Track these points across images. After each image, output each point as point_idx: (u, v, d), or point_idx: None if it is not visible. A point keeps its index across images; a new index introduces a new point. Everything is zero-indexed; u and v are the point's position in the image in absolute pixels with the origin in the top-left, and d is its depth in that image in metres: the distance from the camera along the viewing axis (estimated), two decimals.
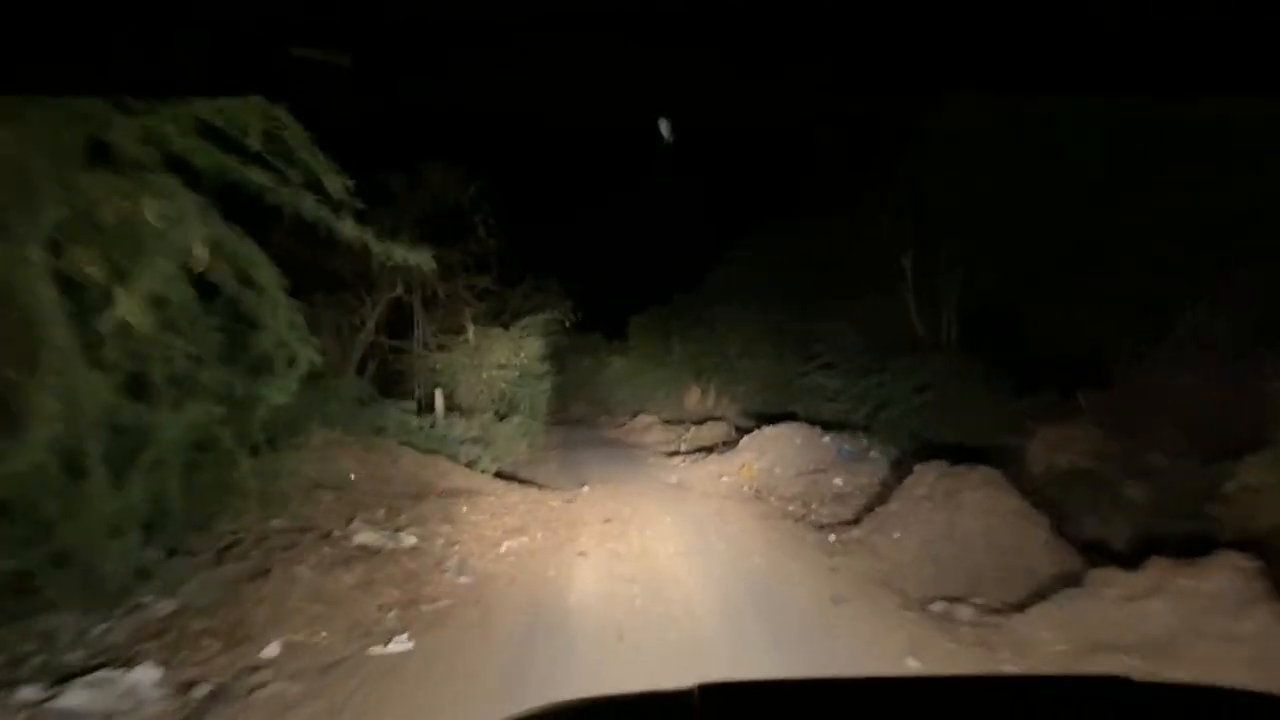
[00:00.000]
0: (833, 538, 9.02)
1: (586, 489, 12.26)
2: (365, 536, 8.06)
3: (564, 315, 20.25)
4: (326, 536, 7.89)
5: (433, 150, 15.61)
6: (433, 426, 13.31)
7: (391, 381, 18.16)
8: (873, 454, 13.28)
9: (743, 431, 17.40)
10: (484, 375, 17.70)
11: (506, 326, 18.23)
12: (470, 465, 13.02)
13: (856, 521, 9.66)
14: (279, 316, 5.77)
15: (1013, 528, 7.97)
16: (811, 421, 15.63)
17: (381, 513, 8.96)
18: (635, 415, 24.91)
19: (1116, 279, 12.12)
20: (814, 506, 10.91)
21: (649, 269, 29.70)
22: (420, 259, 7.02)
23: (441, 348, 17.21)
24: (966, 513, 8.14)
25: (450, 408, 16.12)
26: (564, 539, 8.96)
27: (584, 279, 22.21)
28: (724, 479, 12.89)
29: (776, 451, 13.42)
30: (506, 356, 17.96)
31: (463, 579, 7.45)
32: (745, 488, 12.27)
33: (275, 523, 8.07)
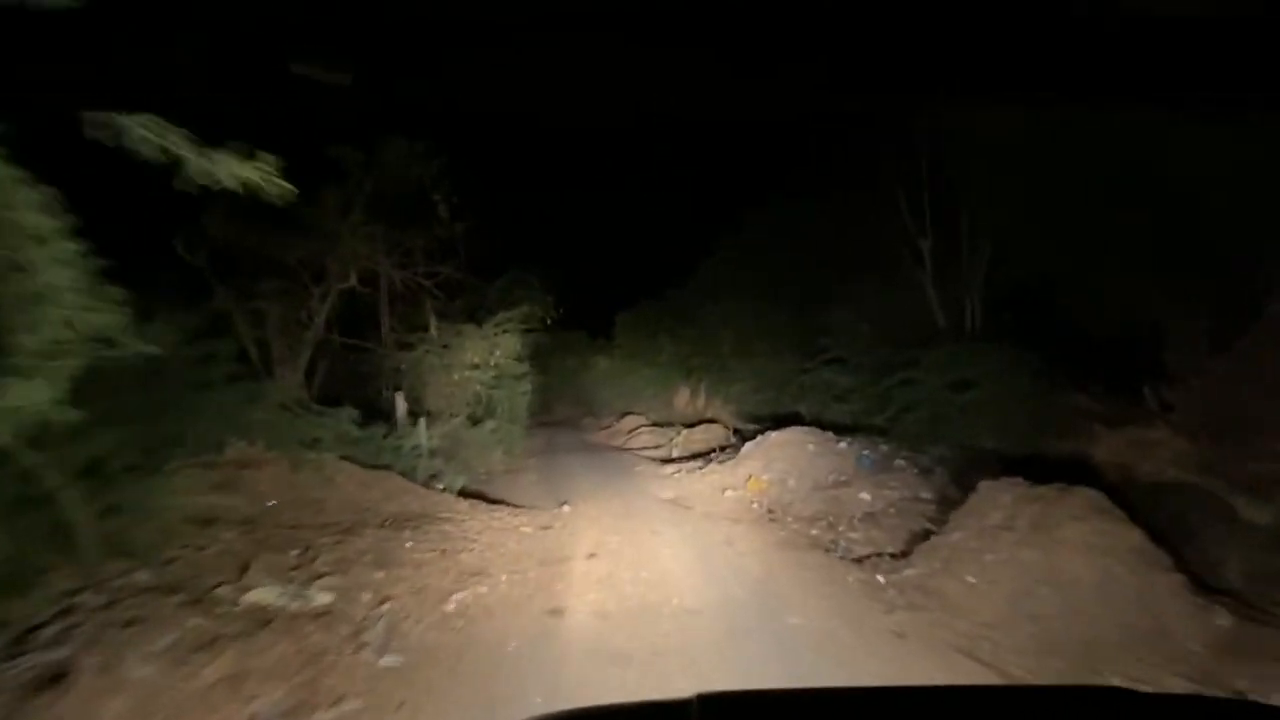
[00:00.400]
0: (881, 578, 6.71)
1: (567, 508, 9.90)
2: (260, 594, 5.68)
3: (545, 311, 18.00)
4: (203, 598, 5.49)
5: (397, 126, 13.14)
6: (386, 436, 10.88)
7: (354, 384, 15.85)
8: (898, 462, 10.99)
9: (741, 435, 15.11)
10: (455, 376, 15.35)
11: (480, 323, 15.87)
12: (430, 482, 10.64)
13: (905, 554, 7.36)
14: (43, 275, 3.35)
15: (1134, 573, 5.69)
16: (818, 424, 13.37)
17: (294, 555, 6.56)
18: (622, 417, 22.59)
19: (1179, 251, 9.95)
20: (842, 530, 8.59)
21: (636, 263, 27.29)
22: (258, 174, 4.55)
23: (406, 346, 14.81)
24: (1070, 551, 5.84)
25: (417, 413, 13.77)
26: (535, 586, 6.60)
27: (567, 274, 20.06)
28: (728, 493, 10.55)
29: (787, 460, 11.09)
30: (481, 355, 15.63)
31: (387, 659, 5.07)
32: (754, 504, 9.94)
33: (140, 577, 5.66)
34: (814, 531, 8.64)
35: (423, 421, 13.08)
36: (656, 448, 17.22)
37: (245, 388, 9.09)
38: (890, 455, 11.43)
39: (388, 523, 8.03)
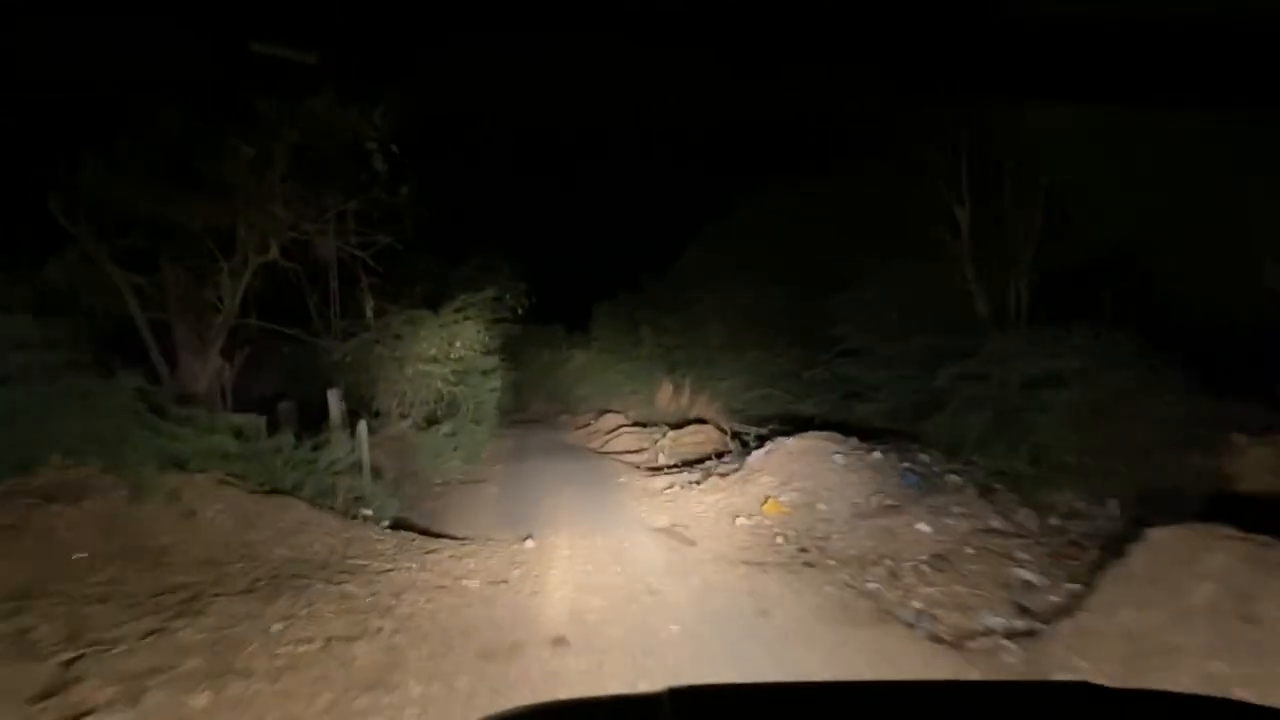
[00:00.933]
0: None
1: (531, 543, 7.08)
2: None
3: (515, 299, 15.32)
4: None
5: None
6: (296, 447, 7.98)
7: (292, 380, 13.05)
8: (951, 478, 8.31)
9: (740, 439, 12.36)
10: (407, 370, 12.55)
11: (437, 309, 13.08)
12: (354, 507, 7.75)
13: (1031, 634, 4.66)
14: None
15: None
16: (827, 426, 10.69)
17: (56, 664, 3.72)
18: (601, 414, 19.79)
19: None
20: (910, 583, 5.88)
21: (615, 253, 24.49)
22: None
23: (347, 334, 11.97)
24: None
25: (358, 413, 10.97)
26: (465, 708, 3.81)
27: (542, 263, 17.47)
28: (740, 521, 7.78)
29: (811, 476, 8.36)
30: (438, 346, 12.86)
31: None
32: (779, 538, 7.19)
33: None
34: (871, 584, 5.91)
35: (362, 425, 10.25)
36: (640, 451, 14.45)
37: (84, 384, 6.19)
38: (933, 468, 8.77)
39: (260, 584, 5.17)
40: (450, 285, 13.88)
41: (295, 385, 12.67)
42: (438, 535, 7.47)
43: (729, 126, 19.18)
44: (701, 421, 15.47)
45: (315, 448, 7.95)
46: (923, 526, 7.04)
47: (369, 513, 7.68)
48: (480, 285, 13.86)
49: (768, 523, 7.59)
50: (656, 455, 13.35)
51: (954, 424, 8.73)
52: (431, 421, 12.75)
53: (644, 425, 17.03)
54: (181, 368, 9.88)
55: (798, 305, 15.32)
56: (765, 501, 7.92)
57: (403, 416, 12.43)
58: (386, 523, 7.62)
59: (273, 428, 9.39)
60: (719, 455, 11.77)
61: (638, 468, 12.50)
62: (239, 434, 7.15)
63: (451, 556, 6.51)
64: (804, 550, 6.79)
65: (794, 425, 12.31)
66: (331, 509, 7.33)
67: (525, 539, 7.19)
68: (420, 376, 12.74)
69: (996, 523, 7.28)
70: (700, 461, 11.70)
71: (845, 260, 13.03)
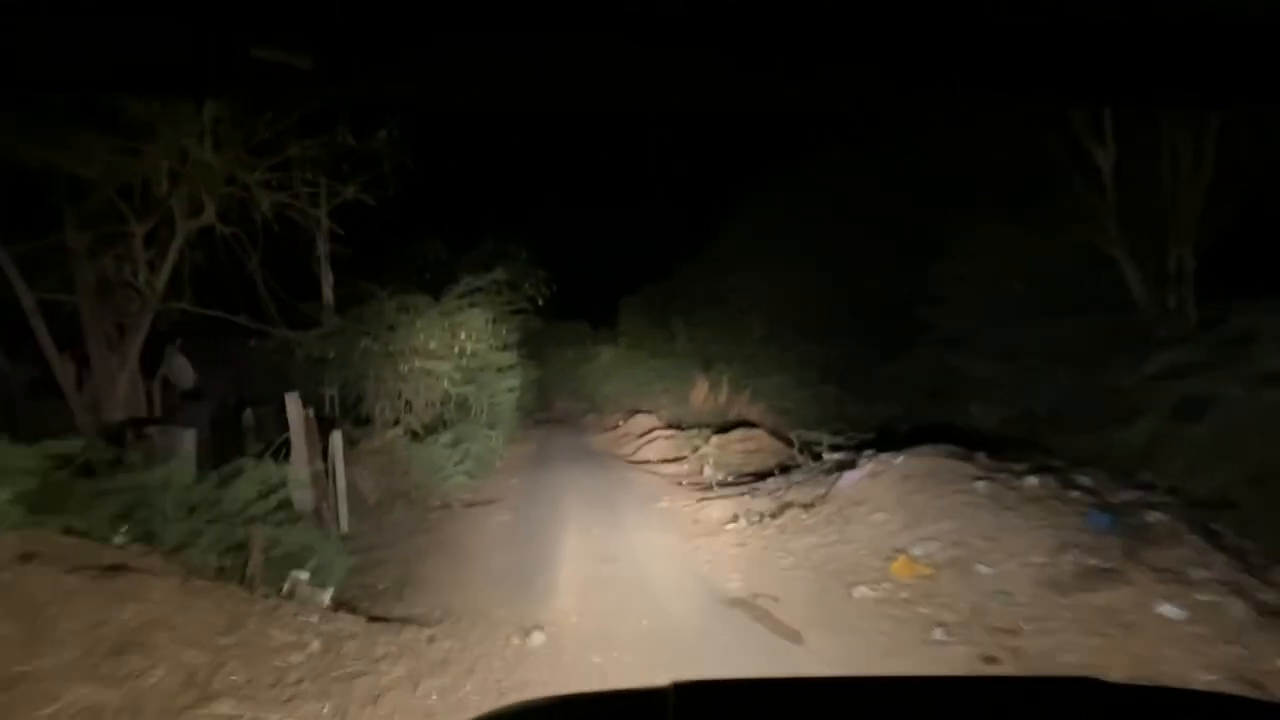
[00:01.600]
0: None
1: (540, 639, 4.21)
2: None
3: (535, 288, 12.65)
4: None
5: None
6: (199, 479, 5.08)
7: (268, 381, 10.28)
8: (1153, 517, 5.30)
9: (809, 450, 9.34)
10: (402, 368, 9.78)
11: (439, 296, 10.36)
12: (279, 573, 4.87)
13: None
14: None
15: None
16: (923, 433, 7.79)
17: None
18: (631, 415, 16.82)
19: None
20: None
21: (642, 242, 21.67)
22: None
23: (309, 322, 9.23)
24: None
25: (332, 420, 8.32)
26: None
27: (566, 256, 14.94)
28: (860, 590, 4.83)
29: (949, 513, 5.38)
30: (441, 339, 10.12)
31: None
32: (937, 630, 4.23)
33: None
34: None
35: (335, 437, 7.52)
36: (679, 460, 11.54)
37: None
38: (1108, 499, 5.80)
39: None
40: (460, 271, 11.19)
41: (274, 387, 9.92)
42: (400, 620, 4.57)
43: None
44: (748, 425, 12.48)
45: (222, 482, 5.05)
46: (1168, 609, 4.08)
47: (304, 577, 4.82)
48: (491, 270, 11.19)
49: (903, 595, 4.63)
50: (700, 467, 10.41)
51: (1151, 436, 5.73)
52: (431, 429, 9.97)
53: (679, 428, 14.06)
54: (94, 364, 7.17)
55: (860, 290, 12.32)
56: (899, 562, 4.95)
57: (395, 423, 9.63)
58: (329, 595, 4.76)
59: (237, 444, 6.88)
60: (783, 469, 8.82)
61: (680, 484, 9.58)
62: (99, 461, 4.32)
63: (404, 677, 3.62)
64: (991, 659, 3.84)
65: (873, 433, 9.40)
66: (239, 581, 4.46)
67: (530, 631, 4.27)
68: (419, 375, 9.99)
69: (1267, 595, 4.33)
70: (759, 478, 8.78)
71: (922, 232, 10.06)
